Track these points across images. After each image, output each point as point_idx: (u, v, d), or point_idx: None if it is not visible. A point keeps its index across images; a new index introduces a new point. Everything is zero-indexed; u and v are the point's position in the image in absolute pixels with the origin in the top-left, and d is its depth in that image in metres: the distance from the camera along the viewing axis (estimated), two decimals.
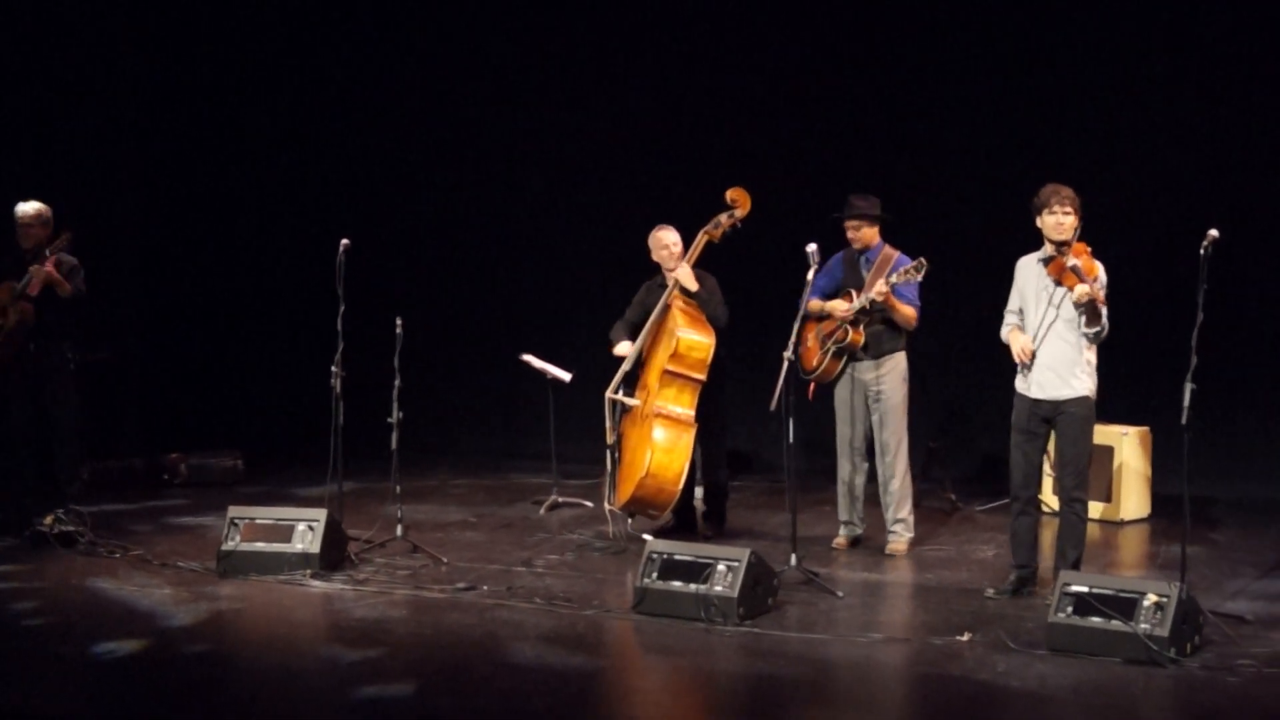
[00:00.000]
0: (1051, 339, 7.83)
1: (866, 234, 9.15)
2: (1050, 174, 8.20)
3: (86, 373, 10.50)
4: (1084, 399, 7.84)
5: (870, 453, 9.28)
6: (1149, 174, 11.03)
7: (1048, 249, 7.84)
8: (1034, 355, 7.87)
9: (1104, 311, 7.65)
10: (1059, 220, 7.73)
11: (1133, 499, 10.23)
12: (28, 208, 9.95)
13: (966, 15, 11.56)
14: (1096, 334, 7.72)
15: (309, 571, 8.49)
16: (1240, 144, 10.81)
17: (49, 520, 9.35)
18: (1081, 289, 7.59)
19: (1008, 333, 8.08)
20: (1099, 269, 7.72)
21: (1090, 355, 7.84)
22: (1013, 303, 8.10)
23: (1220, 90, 10.87)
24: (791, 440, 8.29)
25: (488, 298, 13.40)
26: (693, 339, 9.20)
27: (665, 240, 9.55)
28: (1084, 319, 7.71)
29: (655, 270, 9.69)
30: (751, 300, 10.31)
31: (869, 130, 11.85)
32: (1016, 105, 11.37)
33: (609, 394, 9.49)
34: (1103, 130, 11.18)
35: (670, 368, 9.18)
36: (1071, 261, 7.67)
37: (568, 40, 13.04)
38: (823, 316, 9.18)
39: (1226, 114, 10.86)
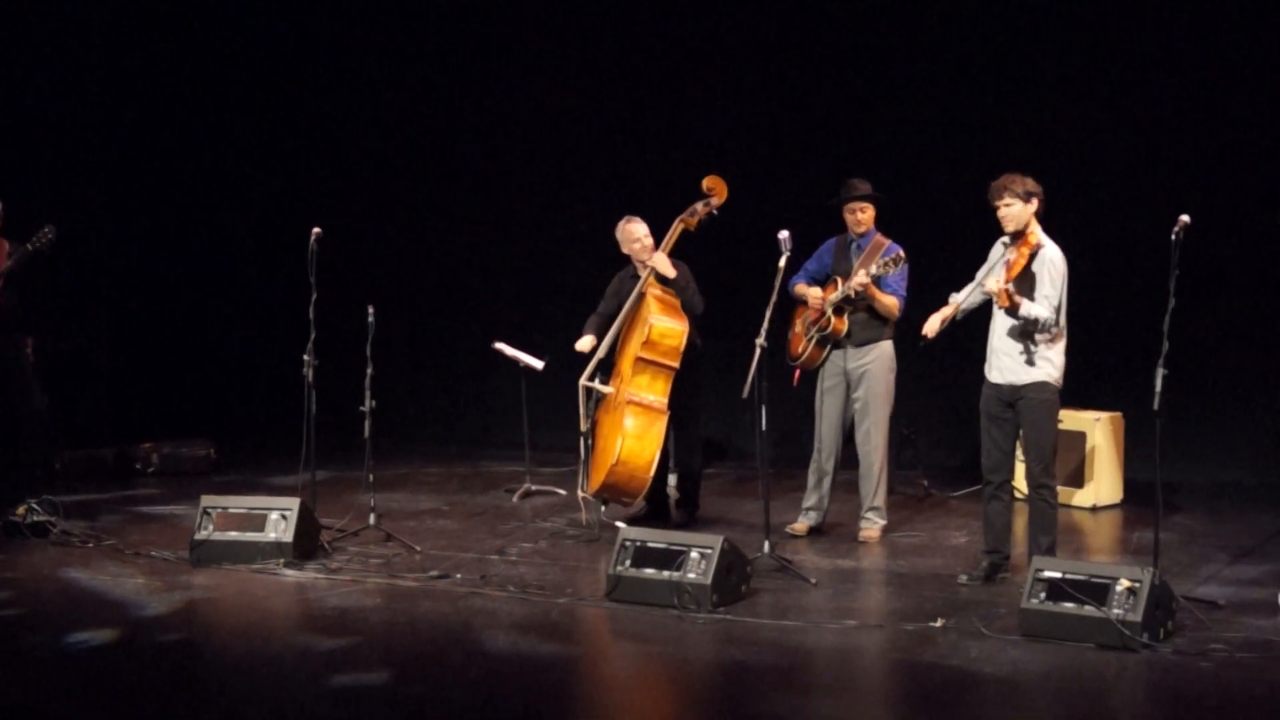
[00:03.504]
0: (1006, 324, 7.87)
1: (870, 217, 9.11)
2: (1025, 161, 8.22)
3: (56, 362, 10.41)
4: (1043, 384, 7.85)
5: (847, 441, 9.27)
6: (1120, 159, 11.06)
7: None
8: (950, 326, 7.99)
9: (1023, 306, 7.66)
10: (1001, 215, 7.88)
11: (1105, 484, 10.26)
12: None
13: (945, 7, 11.57)
14: (1035, 324, 7.71)
15: (282, 560, 8.47)
16: (1211, 130, 10.84)
17: (21, 510, 9.31)
18: (989, 283, 7.74)
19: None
20: (1047, 267, 7.73)
21: (1051, 340, 7.86)
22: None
23: (1192, 77, 10.89)
24: (764, 428, 8.29)
25: (460, 285, 13.36)
26: (666, 326, 9.18)
27: (637, 233, 9.51)
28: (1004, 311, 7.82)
29: (626, 261, 9.66)
30: (727, 288, 10.31)
31: (846, 119, 11.84)
32: (994, 94, 11.37)
33: (583, 381, 9.48)
34: (1074, 117, 11.20)
35: (643, 355, 9.16)
36: (1008, 255, 7.77)
37: (539, 30, 13.00)
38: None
39: (1198, 101, 10.89)
